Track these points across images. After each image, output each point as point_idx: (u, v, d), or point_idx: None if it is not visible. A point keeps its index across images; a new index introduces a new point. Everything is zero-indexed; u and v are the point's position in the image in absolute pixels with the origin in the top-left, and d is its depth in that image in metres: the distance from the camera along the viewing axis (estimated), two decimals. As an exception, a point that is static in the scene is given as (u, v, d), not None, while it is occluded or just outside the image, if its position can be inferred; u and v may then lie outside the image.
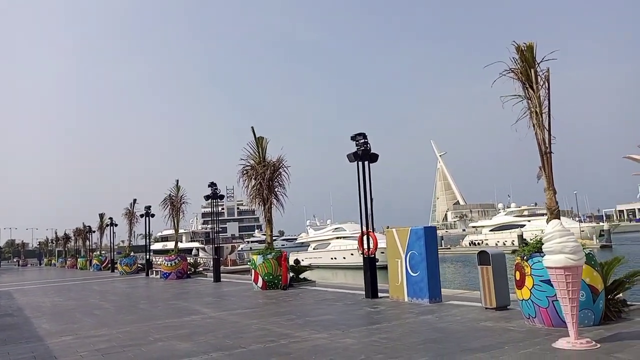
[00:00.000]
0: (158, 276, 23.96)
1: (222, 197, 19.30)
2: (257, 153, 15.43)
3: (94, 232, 42.17)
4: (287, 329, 7.90)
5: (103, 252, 38.32)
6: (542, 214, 70.28)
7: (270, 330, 7.87)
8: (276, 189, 15.25)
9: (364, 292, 12.09)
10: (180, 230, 66.47)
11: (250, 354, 6.29)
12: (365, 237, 11.42)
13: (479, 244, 71.16)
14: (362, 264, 11.53)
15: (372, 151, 11.59)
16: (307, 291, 13.52)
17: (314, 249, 53.44)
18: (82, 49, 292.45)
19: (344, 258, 48.10)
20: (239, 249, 67.47)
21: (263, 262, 14.53)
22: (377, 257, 11.50)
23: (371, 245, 11.34)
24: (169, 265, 22.01)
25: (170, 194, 22.76)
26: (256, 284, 14.65)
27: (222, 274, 23.44)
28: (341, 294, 12.19)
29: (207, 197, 19.18)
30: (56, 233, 70.29)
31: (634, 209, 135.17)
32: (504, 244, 66.71)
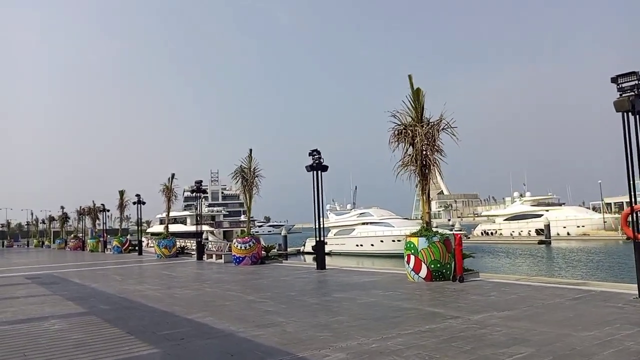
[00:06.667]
0: (221, 260, 20.67)
1: (325, 167, 16.06)
2: (414, 109, 12.27)
3: (108, 211, 38.27)
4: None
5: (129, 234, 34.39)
6: (561, 204, 69.25)
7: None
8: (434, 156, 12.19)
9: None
10: (186, 213, 62.85)
11: None
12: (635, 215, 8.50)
13: (492, 233, 69.46)
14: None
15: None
16: (494, 285, 10.56)
17: (334, 235, 50.43)
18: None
19: (372, 245, 45.28)
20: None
21: (428, 246, 11.50)
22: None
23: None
24: (243, 248, 18.71)
25: (241, 165, 19.38)
26: (418, 273, 11.61)
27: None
28: (571, 291, 9.27)
29: (309, 168, 15.93)
30: (32, 213, 65.98)
31: (622, 202, 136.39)
32: (520, 234, 65.24)
